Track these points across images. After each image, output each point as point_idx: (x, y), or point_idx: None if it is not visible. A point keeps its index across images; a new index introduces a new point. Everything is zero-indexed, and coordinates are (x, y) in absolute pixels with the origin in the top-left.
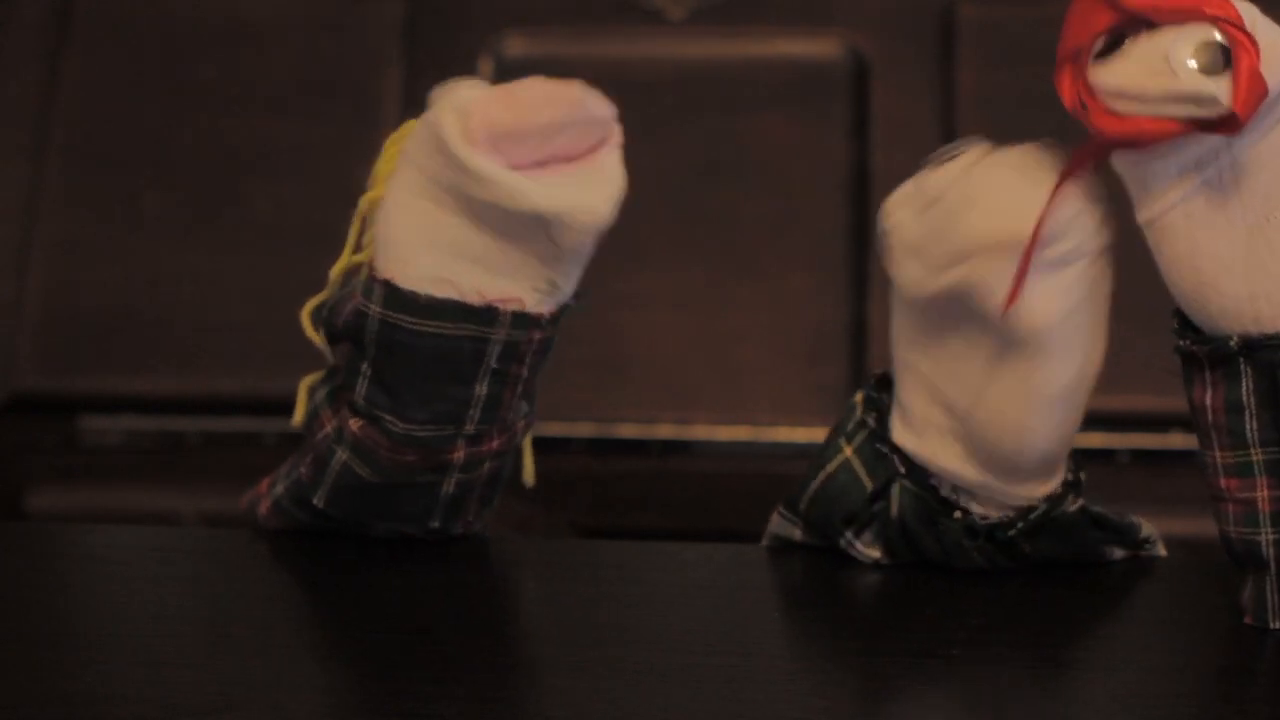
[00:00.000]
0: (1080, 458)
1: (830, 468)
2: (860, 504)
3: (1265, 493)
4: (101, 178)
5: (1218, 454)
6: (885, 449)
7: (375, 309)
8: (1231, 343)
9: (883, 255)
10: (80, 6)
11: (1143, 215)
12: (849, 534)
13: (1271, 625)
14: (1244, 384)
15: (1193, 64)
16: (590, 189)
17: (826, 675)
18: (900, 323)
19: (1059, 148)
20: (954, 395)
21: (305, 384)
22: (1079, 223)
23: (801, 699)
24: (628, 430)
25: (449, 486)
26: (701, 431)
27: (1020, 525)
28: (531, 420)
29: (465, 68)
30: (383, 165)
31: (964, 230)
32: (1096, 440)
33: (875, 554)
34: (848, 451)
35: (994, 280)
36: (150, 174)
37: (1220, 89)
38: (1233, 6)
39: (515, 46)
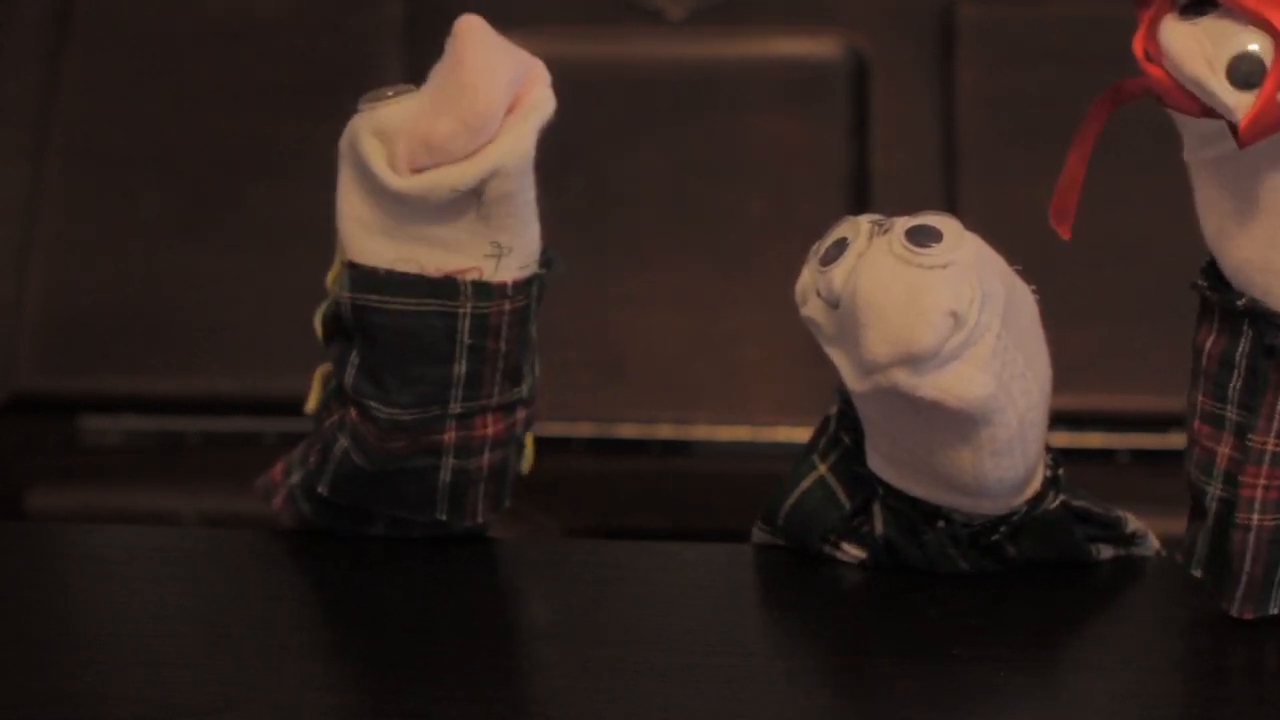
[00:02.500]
0: (1079, 458)
1: (805, 484)
2: (838, 521)
3: (1226, 450)
4: (101, 178)
5: (1200, 397)
6: (863, 469)
7: (345, 294)
8: (1240, 302)
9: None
10: (80, 6)
11: (1185, 154)
12: (831, 536)
13: (1192, 572)
14: (1242, 344)
15: (1228, 66)
16: (497, 145)
17: (826, 675)
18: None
19: (943, 220)
20: (909, 445)
21: (320, 373)
22: (965, 312)
23: (801, 699)
24: (628, 430)
25: (445, 474)
26: (701, 431)
27: (1003, 529)
28: (534, 412)
29: None
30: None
31: (865, 352)
32: (1096, 440)
33: (860, 553)
34: (822, 469)
35: (909, 383)
36: (150, 174)
37: (1240, 103)
38: None
39: (515, 46)
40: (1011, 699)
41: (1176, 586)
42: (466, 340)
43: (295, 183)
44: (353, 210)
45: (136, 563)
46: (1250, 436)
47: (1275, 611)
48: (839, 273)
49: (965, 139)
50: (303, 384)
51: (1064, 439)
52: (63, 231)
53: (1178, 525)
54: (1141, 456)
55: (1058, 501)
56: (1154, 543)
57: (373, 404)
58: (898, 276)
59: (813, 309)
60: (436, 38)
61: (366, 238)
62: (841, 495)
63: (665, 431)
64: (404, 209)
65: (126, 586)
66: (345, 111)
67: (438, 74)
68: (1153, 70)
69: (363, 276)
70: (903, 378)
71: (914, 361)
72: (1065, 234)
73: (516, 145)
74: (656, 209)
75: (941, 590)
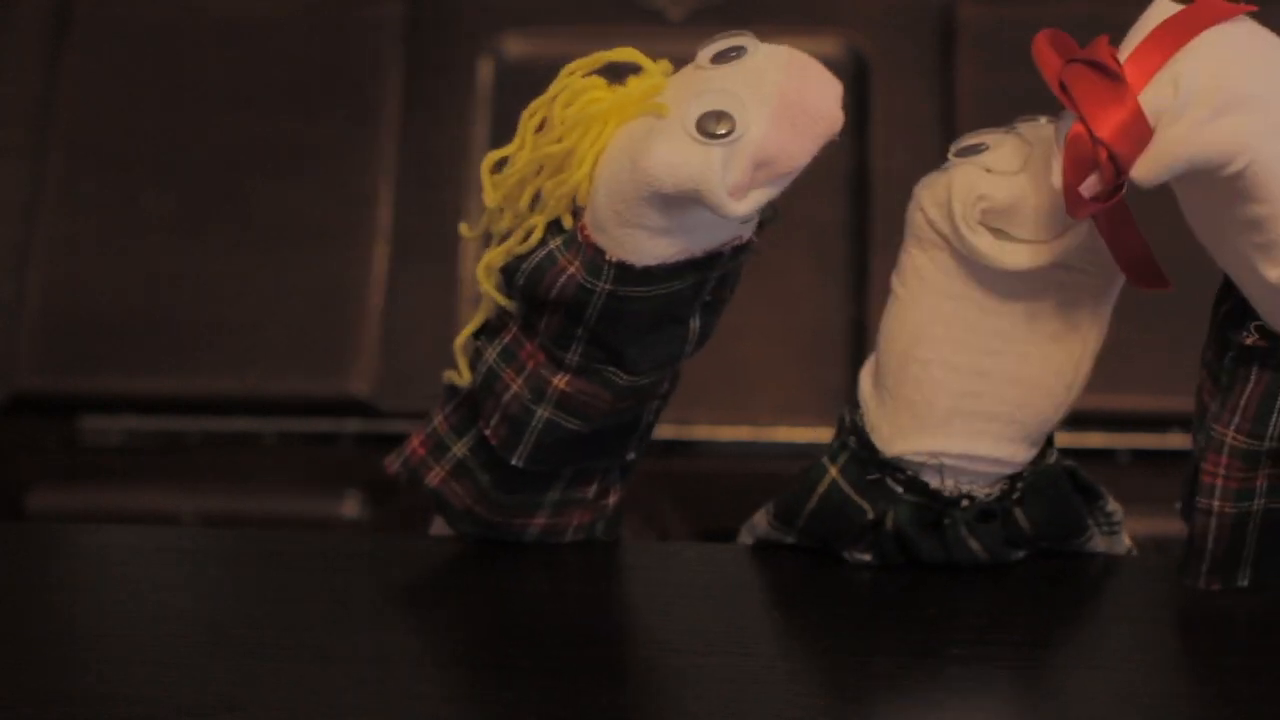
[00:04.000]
0: (1079, 458)
1: (821, 488)
2: (862, 526)
3: (1264, 480)
4: (101, 178)
5: (1236, 436)
6: (874, 473)
7: (604, 286)
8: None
9: (969, 239)
10: (80, 6)
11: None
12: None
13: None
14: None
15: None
16: None
17: (826, 675)
18: (928, 320)
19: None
20: (997, 369)
21: (459, 344)
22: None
23: (801, 699)
24: None
25: (649, 415)
26: (701, 431)
27: (1016, 493)
28: None
29: (465, 68)
30: (578, 141)
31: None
32: (1096, 440)
33: (865, 557)
34: (833, 471)
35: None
36: (150, 174)
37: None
38: (1119, 106)
39: (515, 46)
40: (1011, 698)
41: (1176, 586)
42: (706, 298)
43: (295, 183)
44: (642, 220)
45: (136, 563)
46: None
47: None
48: (1015, 138)
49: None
50: (302, 384)
51: (1064, 439)
52: (63, 231)
53: (1178, 525)
54: (1141, 456)
55: (1054, 456)
56: (1125, 540)
57: (609, 369)
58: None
59: (988, 186)
60: (436, 38)
61: (647, 240)
62: (862, 502)
63: (665, 431)
64: (702, 211)
65: (126, 586)
66: (345, 112)
67: (778, 95)
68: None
69: (633, 275)
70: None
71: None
72: (1167, 286)
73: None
74: None
75: (941, 590)
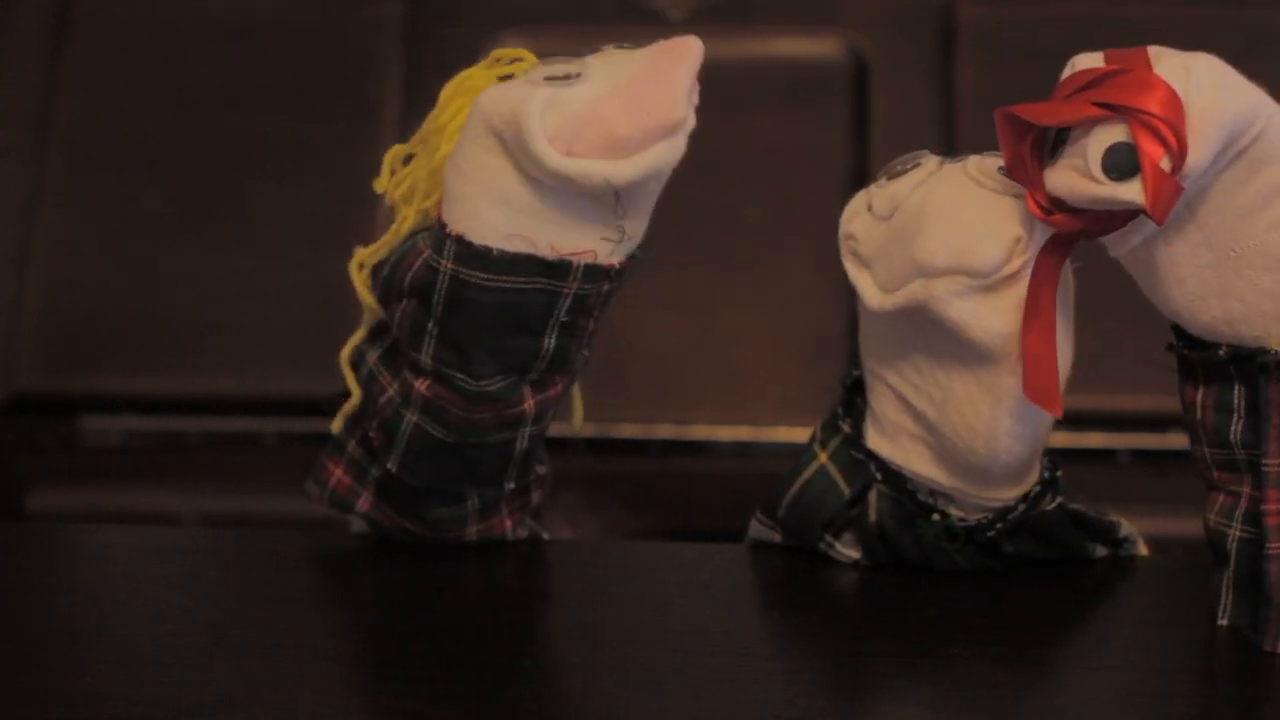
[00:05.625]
0: (1079, 458)
1: (806, 474)
2: (837, 509)
3: (1247, 490)
4: (101, 178)
5: (1206, 450)
6: (861, 455)
7: (446, 264)
8: (1220, 352)
9: (842, 262)
10: (80, 6)
11: (1112, 252)
12: (828, 537)
13: (1219, 619)
14: (1235, 389)
15: (1103, 169)
16: (655, 152)
17: (826, 675)
18: (865, 334)
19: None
20: (921, 406)
21: (345, 355)
22: (1026, 242)
23: (801, 699)
24: (628, 430)
25: (522, 442)
26: (701, 431)
27: (999, 526)
28: (586, 363)
29: (465, 68)
30: (447, 117)
31: (916, 250)
32: (1096, 440)
33: (854, 554)
34: (823, 458)
35: (947, 297)
36: (150, 174)
37: (1134, 191)
38: (1150, 89)
39: (515, 46)
40: (1012, 698)
41: (1176, 587)
42: (562, 318)
43: (295, 183)
44: (478, 173)
45: (136, 563)
46: (1264, 462)
47: None
48: (908, 181)
49: (965, 139)
50: (302, 384)
51: (1064, 439)
52: (63, 231)
53: (1178, 525)
54: (1141, 456)
55: (1055, 504)
56: (1142, 548)
57: (458, 375)
58: (972, 193)
59: (858, 224)
60: (436, 38)
61: (483, 203)
62: (840, 482)
63: (665, 431)
64: (540, 185)
65: (126, 586)
66: (345, 112)
67: (631, 74)
68: (1059, 220)
69: (474, 255)
70: (939, 290)
71: (967, 273)
72: (1057, 411)
73: (672, 154)
74: (656, 209)
75: (941, 590)
